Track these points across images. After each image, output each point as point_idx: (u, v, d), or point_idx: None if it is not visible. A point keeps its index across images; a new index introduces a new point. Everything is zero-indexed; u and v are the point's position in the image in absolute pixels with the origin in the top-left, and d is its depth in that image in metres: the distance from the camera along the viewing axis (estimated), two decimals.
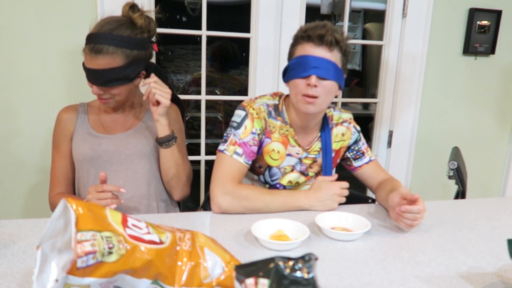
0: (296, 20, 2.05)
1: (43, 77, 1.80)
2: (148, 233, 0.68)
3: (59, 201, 0.79)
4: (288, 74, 1.28)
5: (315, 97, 1.22)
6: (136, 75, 1.32)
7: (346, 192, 1.30)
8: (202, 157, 2.15)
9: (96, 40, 1.23)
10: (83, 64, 1.28)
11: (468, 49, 2.27)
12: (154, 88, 1.27)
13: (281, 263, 0.58)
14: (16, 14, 1.72)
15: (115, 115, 1.43)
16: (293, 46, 1.29)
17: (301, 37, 1.26)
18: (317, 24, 1.25)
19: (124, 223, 0.66)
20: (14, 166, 1.85)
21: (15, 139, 1.83)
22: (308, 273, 0.58)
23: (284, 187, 1.41)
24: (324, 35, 1.21)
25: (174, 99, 1.57)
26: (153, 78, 1.29)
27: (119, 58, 1.26)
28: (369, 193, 2.18)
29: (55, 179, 1.40)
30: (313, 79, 1.20)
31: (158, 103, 1.29)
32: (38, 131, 1.84)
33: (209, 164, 1.31)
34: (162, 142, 1.33)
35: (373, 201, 1.55)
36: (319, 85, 1.22)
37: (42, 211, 1.91)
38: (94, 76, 1.26)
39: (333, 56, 1.23)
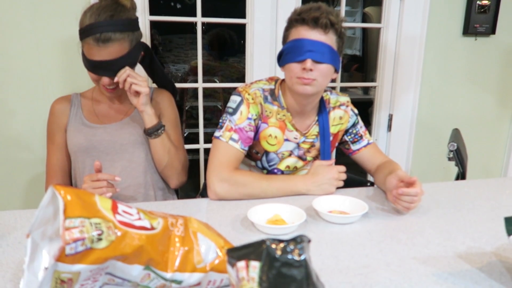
0: (293, 5, 2.01)
1: (37, 68, 1.78)
2: (139, 219, 0.67)
3: None
4: (283, 59, 1.26)
5: (311, 79, 1.21)
6: (139, 57, 1.31)
7: (344, 176, 1.29)
8: (201, 146, 2.14)
9: (100, 29, 1.18)
10: (85, 58, 1.24)
11: (468, 29, 2.23)
12: (130, 78, 1.24)
13: (272, 245, 0.57)
14: (7, 4, 1.70)
15: (109, 105, 1.41)
16: (288, 29, 1.27)
17: (295, 20, 1.24)
18: (311, 6, 1.23)
19: (114, 209, 0.65)
20: (12, 158, 1.85)
21: (12, 130, 1.82)
22: (300, 255, 0.57)
23: (282, 172, 1.40)
24: (318, 17, 1.19)
25: (168, 85, 1.56)
26: (126, 69, 1.25)
27: (127, 43, 1.24)
28: (369, 178, 2.17)
29: (51, 171, 1.39)
30: (309, 63, 1.19)
31: (137, 93, 1.27)
32: (35, 122, 1.83)
33: (208, 153, 1.30)
34: (150, 133, 1.32)
35: (372, 184, 1.54)
36: (315, 68, 1.20)
37: None
38: (104, 67, 1.23)
39: (328, 38, 1.21)
